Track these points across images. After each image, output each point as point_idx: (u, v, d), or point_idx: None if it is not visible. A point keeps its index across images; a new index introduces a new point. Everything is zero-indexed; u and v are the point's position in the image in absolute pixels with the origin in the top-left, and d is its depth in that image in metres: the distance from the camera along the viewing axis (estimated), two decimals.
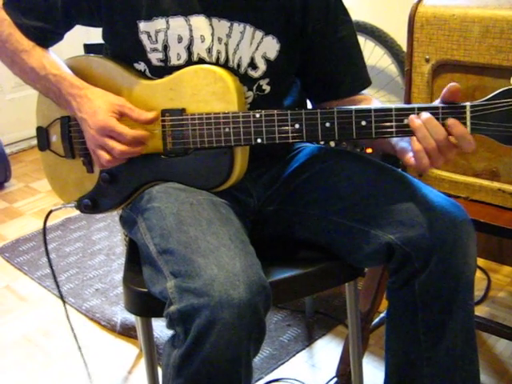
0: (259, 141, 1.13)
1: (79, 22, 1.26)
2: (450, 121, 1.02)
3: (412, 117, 1.04)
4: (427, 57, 1.36)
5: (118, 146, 1.14)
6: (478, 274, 2.05)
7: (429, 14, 1.33)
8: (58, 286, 1.43)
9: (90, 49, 1.44)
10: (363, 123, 1.07)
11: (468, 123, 1.02)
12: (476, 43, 1.28)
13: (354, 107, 1.09)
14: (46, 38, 1.25)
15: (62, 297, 1.44)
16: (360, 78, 1.31)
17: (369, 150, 1.78)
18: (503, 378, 1.65)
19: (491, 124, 1.00)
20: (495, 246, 2.11)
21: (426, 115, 1.03)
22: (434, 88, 1.38)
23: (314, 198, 1.24)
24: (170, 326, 1.01)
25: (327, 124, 1.10)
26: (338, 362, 1.65)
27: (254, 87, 1.24)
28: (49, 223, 2.58)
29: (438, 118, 1.03)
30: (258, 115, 1.12)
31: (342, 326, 1.88)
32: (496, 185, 1.35)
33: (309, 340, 1.84)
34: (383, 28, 2.54)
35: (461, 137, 1.02)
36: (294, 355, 1.78)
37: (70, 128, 1.27)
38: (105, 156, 1.15)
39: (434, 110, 1.03)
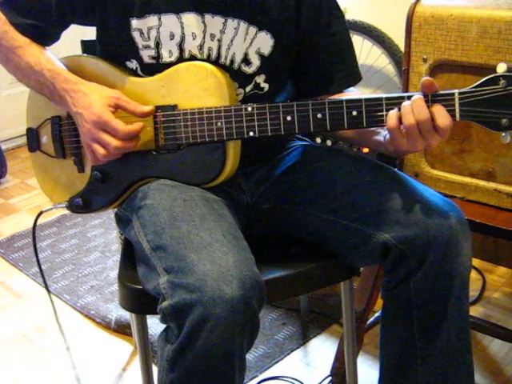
0: (251, 134, 1.13)
1: (74, 21, 1.26)
2: (435, 106, 1.03)
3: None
4: (425, 57, 1.36)
5: (113, 142, 1.13)
6: (473, 274, 2.05)
7: (427, 13, 1.33)
8: (46, 287, 1.43)
9: (87, 45, 1.44)
10: (354, 113, 1.08)
11: (457, 110, 1.03)
12: (474, 43, 1.28)
13: (344, 98, 1.09)
14: (42, 36, 1.25)
15: (50, 298, 1.44)
16: (351, 74, 1.31)
17: (365, 150, 1.78)
18: (497, 378, 1.66)
19: (479, 110, 1.02)
20: (490, 246, 2.11)
21: (416, 96, 1.04)
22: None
23: (310, 197, 1.24)
24: (163, 321, 1.01)
25: (319, 115, 1.10)
26: (333, 361, 1.65)
27: (250, 85, 1.24)
28: (44, 220, 2.59)
29: (428, 106, 1.03)
30: (249, 109, 1.13)
31: (337, 325, 1.88)
32: (492, 185, 1.35)
33: (303, 339, 1.84)
34: (381, 28, 2.55)
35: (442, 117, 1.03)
36: (288, 354, 1.78)
37: (61, 128, 1.27)
38: (100, 150, 1.14)
39: (423, 98, 1.04)
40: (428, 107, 1.03)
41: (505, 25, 1.24)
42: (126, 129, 1.13)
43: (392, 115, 1.05)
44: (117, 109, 1.15)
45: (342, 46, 1.30)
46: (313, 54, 1.28)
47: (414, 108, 1.03)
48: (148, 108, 1.16)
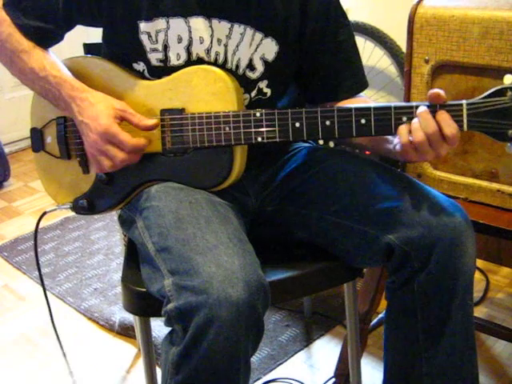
0: (259, 139, 1.13)
1: (80, 22, 1.26)
2: (441, 114, 1.04)
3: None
4: (427, 57, 1.36)
5: (119, 154, 1.13)
6: (477, 275, 2.05)
7: (428, 14, 1.33)
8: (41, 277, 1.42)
9: (89, 48, 1.44)
10: (363, 121, 1.08)
11: (465, 120, 1.04)
12: (475, 44, 1.28)
13: (353, 105, 1.10)
14: (46, 38, 1.24)
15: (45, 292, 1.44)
16: (358, 81, 1.31)
17: (367, 151, 1.78)
18: (501, 379, 1.66)
19: (486, 121, 1.03)
20: (494, 247, 2.11)
21: (421, 109, 1.04)
22: (434, 89, 1.38)
23: (313, 198, 1.24)
24: (168, 323, 1.01)
25: (327, 122, 1.10)
26: (337, 363, 1.65)
27: (255, 91, 1.24)
28: (47, 223, 2.59)
29: (435, 116, 1.04)
30: (258, 114, 1.13)
31: (341, 326, 1.88)
32: (495, 186, 1.35)
33: (307, 340, 1.84)
34: (383, 29, 2.55)
35: (448, 127, 1.03)
36: (292, 355, 1.78)
37: (66, 128, 1.27)
38: (106, 162, 1.15)
39: (431, 108, 1.05)
40: (434, 117, 1.03)
41: (507, 25, 1.24)
42: (133, 142, 1.13)
43: (403, 131, 1.05)
44: (122, 121, 1.15)
45: (348, 55, 1.30)
46: (319, 62, 1.28)
47: (421, 122, 1.04)
48: (152, 122, 1.16)
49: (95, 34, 1.29)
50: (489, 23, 1.26)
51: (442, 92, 1.04)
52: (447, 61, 1.33)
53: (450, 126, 1.03)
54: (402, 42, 2.43)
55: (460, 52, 1.31)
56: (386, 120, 1.07)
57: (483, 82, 1.31)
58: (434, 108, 1.05)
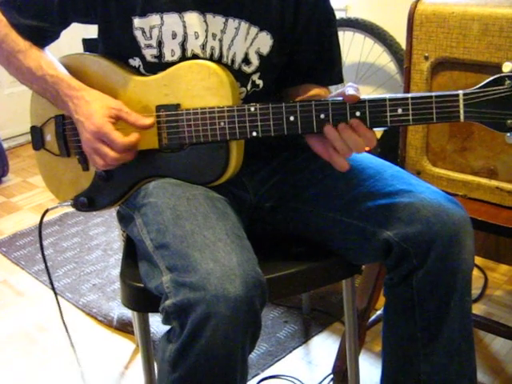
0: (254, 134, 1.13)
1: (75, 20, 1.26)
2: (354, 121, 1.06)
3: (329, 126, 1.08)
4: (426, 54, 1.36)
5: (111, 153, 1.13)
6: (475, 272, 2.05)
7: (428, 11, 1.33)
8: (51, 284, 1.43)
9: (88, 43, 1.44)
10: (358, 114, 1.08)
11: (461, 111, 1.02)
12: (475, 41, 1.28)
13: None
14: (42, 36, 1.24)
15: (55, 295, 1.44)
16: (332, 74, 1.32)
17: (366, 148, 1.78)
18: (499, 376, 1.66)
19: (484, 111, 1.01)
20: (492, 244, 2.11)
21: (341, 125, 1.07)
22: (433, 85, 1.38)
23: (312, 195, 1.24)
24: (165, 320, 1.01)
25: (322, 116, 1.10)
26: (335, 359, 1.65)
27: (249, 84, 1.24)
28: (46, 218, 2.56)
29: (431, 107, 1.03)
30: (252, 109, 1.12)
31: (339, 323, 1.88)
32: (494, 183, 1.35)
33: (305, 337, 1.84)
34: (383, 25, 2.55)
35: (364, 135, 1.07)
36: (290, 352, 1.78)
37: (65, 126, 1.27)
38: (98, 160, 1.15)
39: (427, 99, 1.04)
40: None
41: (506, 22, 1.24)
42: (123, 141, 1.13)
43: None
44: (117, 120, 1.15)
45: (329, 48, 1.30)
46: (300, 50, 1.28)
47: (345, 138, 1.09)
48: (149, 121, 1.15)
49: (94, 30, 1.29)
50: (489, 20, 1.26)
51: (356, 95, 1.05)
52: (447, 57, 1.33)
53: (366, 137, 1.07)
54: (401, 39, 2.43)
55: (460, 49, 1.31)
56: (381, 112, 1.06)
57: (483, 79, 1.29)
58: (429, 99, 1.03)
